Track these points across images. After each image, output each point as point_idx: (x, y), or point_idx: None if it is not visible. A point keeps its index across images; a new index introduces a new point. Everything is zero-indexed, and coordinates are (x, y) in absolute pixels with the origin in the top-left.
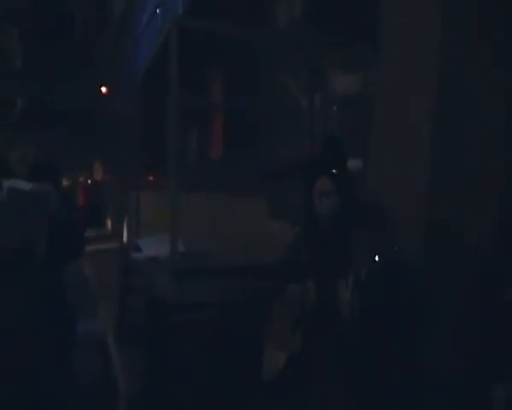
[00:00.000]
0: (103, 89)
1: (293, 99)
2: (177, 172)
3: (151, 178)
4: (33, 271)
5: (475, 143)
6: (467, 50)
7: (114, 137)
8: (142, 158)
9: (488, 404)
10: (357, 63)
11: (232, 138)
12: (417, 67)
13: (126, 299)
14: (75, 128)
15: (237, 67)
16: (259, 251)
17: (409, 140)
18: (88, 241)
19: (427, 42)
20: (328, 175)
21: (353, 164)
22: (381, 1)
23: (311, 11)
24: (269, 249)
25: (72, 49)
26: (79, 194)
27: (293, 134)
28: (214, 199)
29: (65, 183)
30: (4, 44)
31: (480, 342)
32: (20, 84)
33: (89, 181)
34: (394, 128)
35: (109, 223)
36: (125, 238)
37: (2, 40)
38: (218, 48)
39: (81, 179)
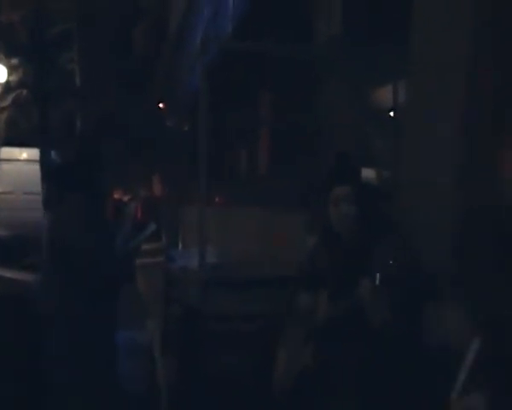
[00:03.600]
0: (161, 105)
1: (336, 114)
2: (206, 188)
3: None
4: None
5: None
6: (497, 62)
7: (171, 153)
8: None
9: None
10: (394, 75)
11: (279, 155)
12: (446, 82)
13: (167, 309)
14: (136, 144)
15: (283, 84)
16: (294, 264)
17: (437, 151)
18: (144, 254)
19: (456, 56)
20: (344, 183)
21: (376, 174)
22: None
23: (351, 26)
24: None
25: (132, 66)
26: (137, 208)
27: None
28: (256, 213)
29: (125, 197)
30: (66, 68)
31: None
32: (79, 101)
33: (146, 195)
34: (423, 140)
35: (164, 236)
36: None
37: (62, 57)
38: (263, 66)
39: (139, 194)
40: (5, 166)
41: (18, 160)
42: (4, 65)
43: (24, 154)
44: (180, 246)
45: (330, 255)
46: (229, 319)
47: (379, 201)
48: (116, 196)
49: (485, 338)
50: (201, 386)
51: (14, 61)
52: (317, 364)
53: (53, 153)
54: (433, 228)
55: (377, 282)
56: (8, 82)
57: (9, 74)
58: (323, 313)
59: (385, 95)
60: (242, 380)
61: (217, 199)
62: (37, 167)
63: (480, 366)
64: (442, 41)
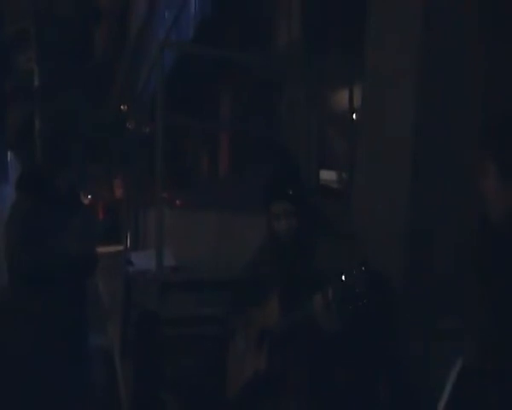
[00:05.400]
0: (122, 107)
1: (297, 118)
2: (162, 190)
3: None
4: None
5: (458, 156)
6: (447, 69)
7: (133, 155)
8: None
9: None
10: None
11: (239, 159)
12: (398, 85)
13: (127, 313)
14: (97, 146)
15: (244, 88)
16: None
17: (391, 155)
18: (104, 257)
19: (408, 62)
20: (283, 197)
21: (336, 176)
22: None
23: (309, 33)
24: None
25: (92, 67)
26: (99, 210)
27: (298, 153)
28: (216, 216)
29: (86, 200)
30: (24, 67)
31: None
32: (41, 106)
33: (108, 198)
34: (378, 141)
35: (127, 239)
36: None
37: (21, 63)
38: (225, 70)
39: (100, 196)
40: None
41: None
42: None
43: None
44: (141, 248)
45: (278, 261)
46: (187, 321)
47: (330, 202)
48: None
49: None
50: (160, 389)
51: None
52: (271, 368)
53: (10, 153)
54: (387, 234)
55: (330, 294)
56: None
57: None
58: (274, 318)
59: (345, 99)
60: (200, 383)
61: (177, 202)
62: None
63: (463, 385)
64: (395, 49)
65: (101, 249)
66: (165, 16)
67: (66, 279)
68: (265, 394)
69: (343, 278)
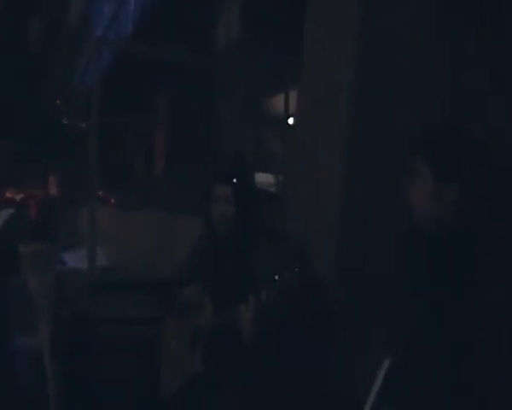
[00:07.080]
0: (58, 102)
1: (234, 119)
2: (95, 188)
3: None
4: None
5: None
6: (383, 77)
7: (67, 152)
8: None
9: None
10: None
11: (175, 158)
12: (334, 90)
13: (58, 312)
14: (31, 141)
15: (182, 87)
16: None
17: (325, 159)
18: (36, 255)
19: (344, 68)
20: (225, 182)
21: (271, 179)
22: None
23: (249, 34)
24: None
25: (28, 61)
26: (31, 207)
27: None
28: (151, 215)
29: (18, 196)
30: None
31: None
32: None
33: (42, 195)
34: (312, 146)
35: (60, 237)
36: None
37: None
38: (163, 69)
39: (34, 193)
40: None
41: None
42: None
43: None
44: (73, 247)
45: (212, 255)
46: (118, 321)
47: (266, 205)
48: (9, 195)
49: (396, 356)
50: (90, 390)
51: None
52: (205, 368)
53: None
54: (320, 237)
55: (263, 296)
56: None
57: None
58: (208, 318)
59: (281, 102)
60: (132, 384)
61: (112, 201)
62: None
63: (390, 385)
64: (331, 55)
65: (32, 247)
66: (105, 11)
67: None
68: (200, 394)
69: (276, 279)
